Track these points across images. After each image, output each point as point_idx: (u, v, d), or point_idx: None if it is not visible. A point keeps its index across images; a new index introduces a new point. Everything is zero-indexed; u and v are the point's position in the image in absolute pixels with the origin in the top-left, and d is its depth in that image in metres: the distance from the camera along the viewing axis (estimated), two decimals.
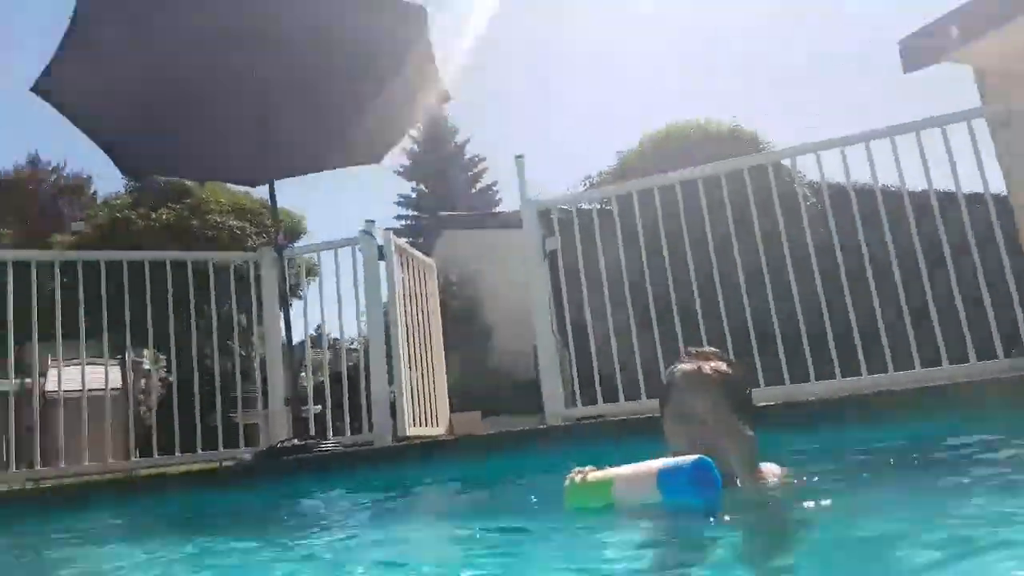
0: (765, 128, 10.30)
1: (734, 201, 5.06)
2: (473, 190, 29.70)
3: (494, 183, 31.32)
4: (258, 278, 5.86)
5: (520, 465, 4.04)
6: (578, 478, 2.02)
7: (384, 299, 5.86)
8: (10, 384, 4.94)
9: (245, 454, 5.08)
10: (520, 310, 12.31)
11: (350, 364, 6.63)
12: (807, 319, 4.72)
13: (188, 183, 14.49)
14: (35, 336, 4.96)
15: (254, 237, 13.91)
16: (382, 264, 5.77)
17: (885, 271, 4.70)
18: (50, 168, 22.79)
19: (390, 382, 5.61)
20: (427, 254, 7.11)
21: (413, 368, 5.99)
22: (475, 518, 2.77)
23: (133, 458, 5.20)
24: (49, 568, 2.60)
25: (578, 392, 5.48)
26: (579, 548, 1.93)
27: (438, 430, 6.34)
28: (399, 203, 30.22)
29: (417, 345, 6.17)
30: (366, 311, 5.73)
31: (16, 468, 4.81)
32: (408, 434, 5.59)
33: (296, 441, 4.83)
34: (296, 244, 11.63)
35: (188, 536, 2.92)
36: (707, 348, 2.21)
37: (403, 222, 29.65)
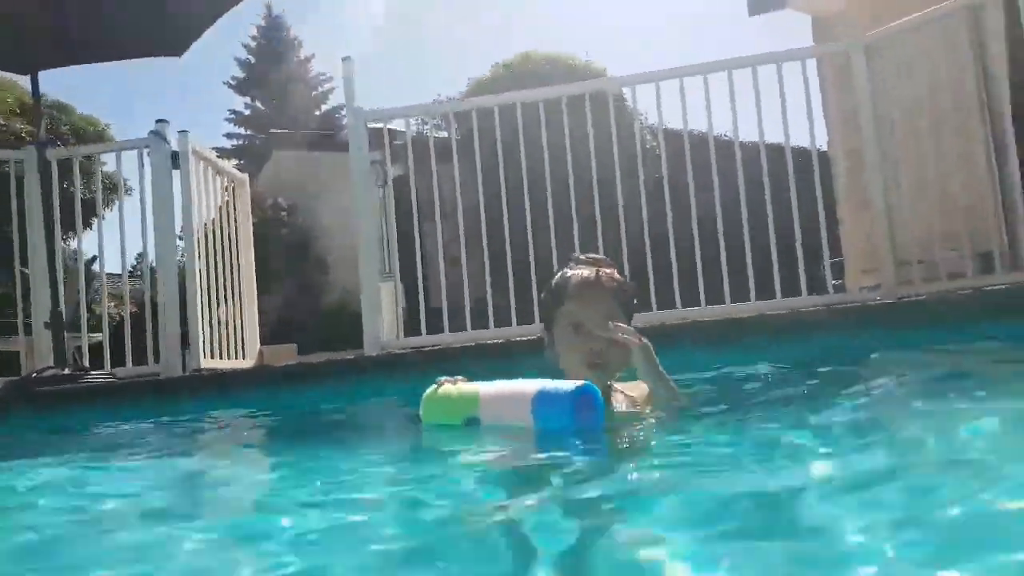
0: (616, 69, 10.17)
1: (574, 132, 4.76)
2: (318, 111, 27.83)
3: (341, 105, 29.30)
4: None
5: (327, 397, 3.64)
6: (441, 389, 1.77)
7: (179, 216, 5.08)
8: None
9: None
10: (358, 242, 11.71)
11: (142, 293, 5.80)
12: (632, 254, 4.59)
13: None
14: None
15: None
16: (176, 174, 5.00)
17: (710, 214, 4.65)
18: None
19: (183, 309, 4.92)
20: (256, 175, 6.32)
21: (214, 295, 5.31)
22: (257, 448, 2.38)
23: None
24: None
25: (403, 326, 5.13)
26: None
27: (244, 363, 5.74)
28: (229, 119, 27.49)
29: (222, 270, 5.48)
30: (154, 228, 4.95)
31: None
32: (202, 366, 4.97)
33: (59, 370, 4.08)
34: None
35: None
36: (597, 255, 2.02)
37: (235, 141, 27.19)
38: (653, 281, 4.50)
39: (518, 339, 4.13)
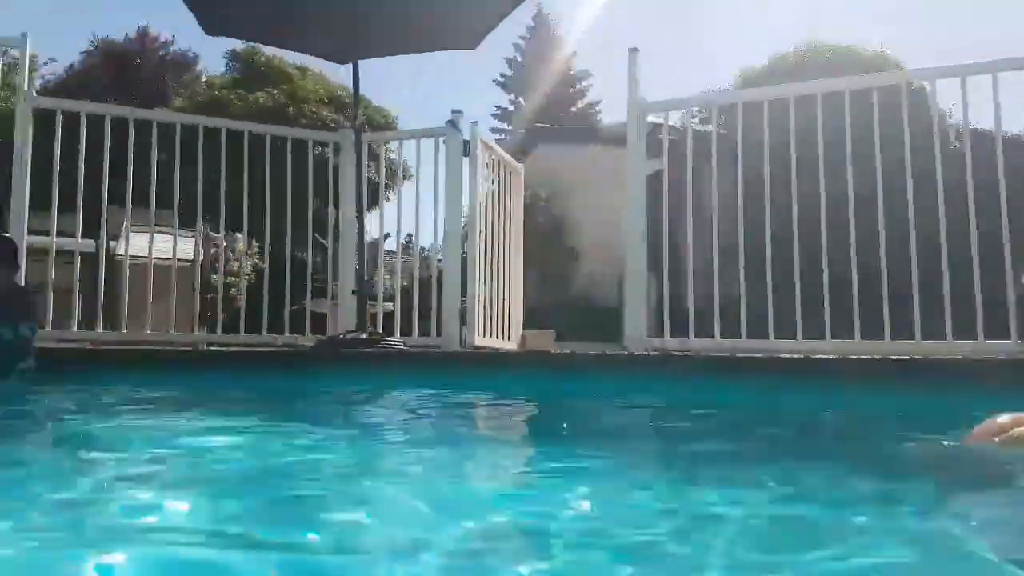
0: (915, 60, 9.09)
1: (856, 128, 4.29)
2: (574, 108, 28.55)
3: (597, 102, 30.00)
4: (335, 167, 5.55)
5: (591, 389, 3.67)
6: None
7: (465, 200, 5.44)
8: (76, 244, 4.79)
9: (309, 342, 4.86)
10: (610, 234, 11.76)
11: (427, 274, 6.32)
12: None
13: (290, 70, 14.33)
14: (107, 197, 4.80)
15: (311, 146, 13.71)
16: (466, 161, 5.34)
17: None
18: (159, 42, 23.03)
19: (463, 289, 5.26)
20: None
21: (489, 277, 5.61)
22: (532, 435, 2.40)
23: (197, 331, 5.07)
24: (88, 432, 2.40)
25: (668, 325, 4.99)
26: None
27: (508, 344, 6.00)
28: (495, 115, 29.42)
29: (495, 253, 5.77)
30: (445, 210, 5.33)
31: (77, 328, 4.72)
32: (476, 343, 5.28)
33: (360, 334, 4.55)
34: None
35: (229, 411, 2.83)
36: None
37: (497, 136, 28.98)
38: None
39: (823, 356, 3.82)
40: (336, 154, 5.58)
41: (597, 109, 29.31)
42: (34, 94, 4.66)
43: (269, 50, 14.58)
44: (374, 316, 5.45)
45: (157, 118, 5.10)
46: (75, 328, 4.74)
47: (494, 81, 29.79)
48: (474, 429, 2.82)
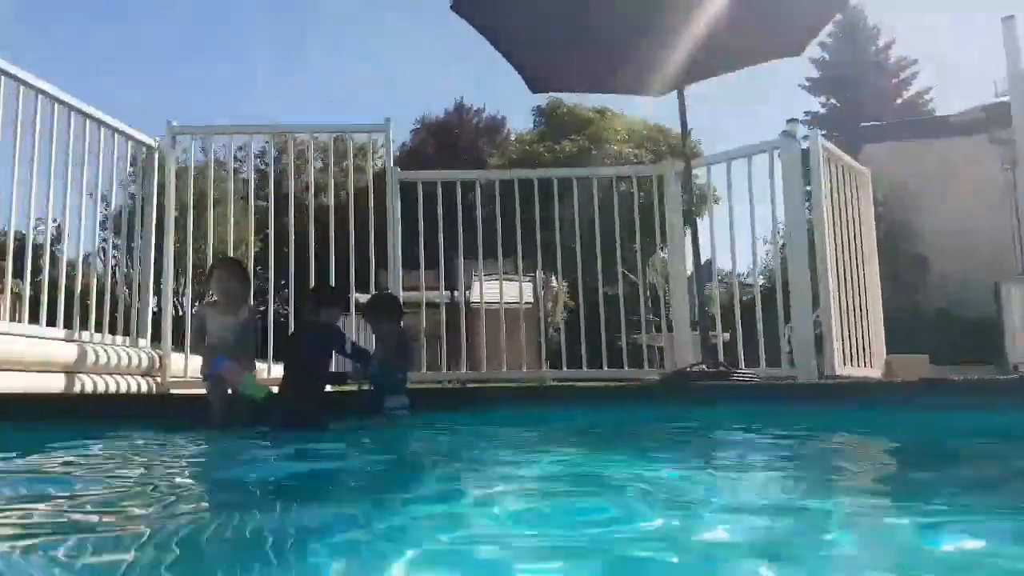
0: None
1: None
2: (899, 100, 25.46)
3: (927, 90, 26.39)
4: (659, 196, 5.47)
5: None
6: None
7: (806, 214, 4.99)
8: (441, 295, 5.30)
9: (652, 375, 4.77)
10: (967, 236, 10.10)
11: (754, 291, 5.90)
12: None
13: (590, 114, 14.89)
14: (460, 251, 5.28)
15: (648, 163, 13.74)
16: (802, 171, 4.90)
17: None
18: (472, 111, 25.82)
19: (814, 310, 4.78)
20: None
21: (842, 295, 5.05)
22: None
23: (544, 368, 5.29)
24: (462, 458, 2.53)
25: None
26: None
27: (872, 372, 5.32)
28: (805, 121, 27.32)
29: (847, 268, 5.18)
30: (785, 226, 4.93)
31: (447, 369, 5.20)
32: (837, 373, 4.74)
33: (706, 367, 4.34)
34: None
35: (590, 445, 2.82)
36: None
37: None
38: None
39: None
40: (640, 187, 5.51)
41: (927, 98, 25.83)
42: (399, 170, 5.31)
43: (570, 100, 15.37)
44: (713, 347, 5.21)
45: (501, 177, 5.50)
46: (444, 369, 5.26)
47: (800, 86, 27.90)
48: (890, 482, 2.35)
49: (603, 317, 5.32)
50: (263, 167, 8.78)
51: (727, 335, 5.58)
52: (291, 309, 4.84)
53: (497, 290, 5.36)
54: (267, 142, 5.94)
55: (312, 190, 6.84)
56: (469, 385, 5.18)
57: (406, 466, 2.57)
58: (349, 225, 4.99)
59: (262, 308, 4.98)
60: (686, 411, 4.00)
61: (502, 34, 5.04)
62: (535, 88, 5.44)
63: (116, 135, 4.78)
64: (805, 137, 5.08)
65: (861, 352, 5.21)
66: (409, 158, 23.56)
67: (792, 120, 4.95)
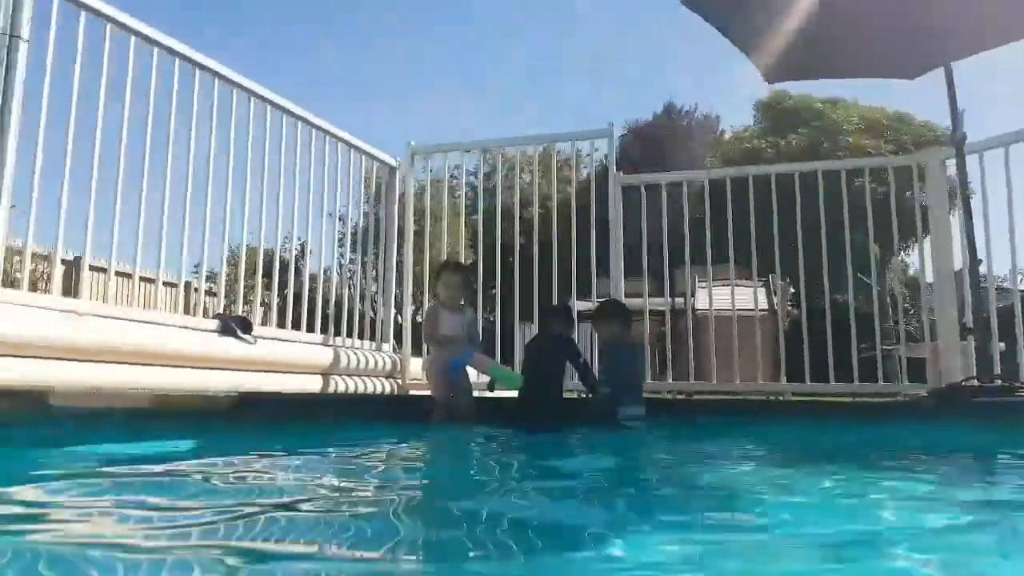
0: None
1: None
2: None
3: None
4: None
5: None
6: None
7: None
8: (666, 302, 5.11)
9: (916, 390, 4.23)
10: None
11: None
12: None
13: (819, 105, 13.83)
14: (687, 258, 5.06)
15: (889, 155, 12.40)
16: None
17: None
18: (683, 112, 24.92)
19: None
20: None
21: None
22: None
23: (783, 381, 4.89)
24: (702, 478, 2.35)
25: None
26: None
27: None
28: None
29: None
30: None
31: (672, 379, 4.99)
32: None
33: (980, 381, 3.75)
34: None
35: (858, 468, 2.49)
36: None
37: None
38: None
39: None
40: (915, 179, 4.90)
41: None
42: (621, 174, 5.21)
43: (797, 91, 14.35)
44: (991, 357, 4.49)
45: (732, 174, 5.19)
46: (670, 379, 5.06)
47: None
48: None
49: (852, 328, 4.82)
50: (490, 185, 9.15)
51: (1002, 344, 4.81)
52: (499, 316, 4.96)
53: (728, 296, 5.06)
54: (493, 157, 6.13)
55: (536, 200, 6.98)
56: (698, 397, 4.94)
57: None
58: (572, 233, 4.98)
59: (491, 318, 5.14)
60: (962, 432, 3.49)
61: (736, 22, 4.76)
62: (772, 78, 5.08)
63: (363, 156, 5.19)
64: None
65: None
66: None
67: None
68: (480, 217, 5.98)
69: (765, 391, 4.88)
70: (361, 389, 4.70)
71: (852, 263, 4.78)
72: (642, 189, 5.18)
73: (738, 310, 4.96)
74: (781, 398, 4.98)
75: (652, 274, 5.23)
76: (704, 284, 5.72)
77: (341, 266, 5.97)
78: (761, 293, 5.77)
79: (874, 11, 4.84)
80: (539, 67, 45.47)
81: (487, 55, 46.97)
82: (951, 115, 4.28)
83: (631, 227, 5.08)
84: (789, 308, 7.00)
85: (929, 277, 4.83)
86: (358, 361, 4.75)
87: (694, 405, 4.63)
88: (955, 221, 4.71)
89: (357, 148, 5.09)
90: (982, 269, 4.37)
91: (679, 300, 5.64)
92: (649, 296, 5.12)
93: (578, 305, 5.46)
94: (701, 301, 5.82)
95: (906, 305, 9.92)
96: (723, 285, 5.19)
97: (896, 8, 4.71)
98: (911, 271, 14.40)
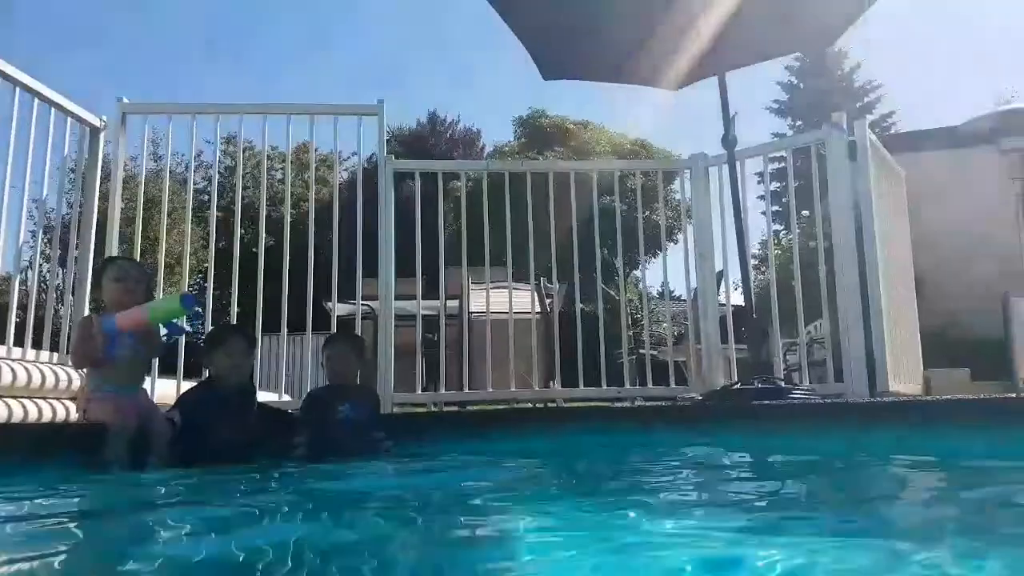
0: None
1: None
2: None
3: (890, 113, 26.73)
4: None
5: None
6: None
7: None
8: (441, 306, 4.64)
9: (687, 393, 4.20)
10: (972, 249, 9.83)
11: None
12: None
13: (572, 126, 14.48)
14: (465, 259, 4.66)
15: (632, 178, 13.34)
16: (851, 167, 4.42)
17: None
18: (446, 124, 25.07)
19: (864, 321, 4.27)
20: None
21: (891, 304, 4.56)
22: None
23: (556, 386, 4.66)
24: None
25: None
26: None
27: (911, 387, 4.83)
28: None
29: (891, 275, 4.71)
30: (833, 225, 4.43)
31: (444, 390, 4.54)
32: (890, 389, 4.23)
33: (758, 383, 3.78)
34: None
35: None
36: None
37: (777, 164, 26.77)
38: None
39: None
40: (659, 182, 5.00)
41: (891, 121, 26.12)
42: (393, 158, 4.68)
43: (553, 110, 14.93)
44: (768, 362, 4.65)
45: (509, 169, 4.88)
46: (443, 390, 4.59)
47: (767, 108, 28.02)
48: None
49: (623, 329, 4.74)
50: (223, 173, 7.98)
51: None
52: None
53: (504, 299, 4.73)
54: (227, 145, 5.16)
55: (289, 192, 6.10)
56: (472, 408, 4.54)
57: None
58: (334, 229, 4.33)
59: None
60: (734, 436, 3.44)
61: (519, 14, 4.49)
62: (547, 74, 4.89)
63: (53, 111, 3.99)
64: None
65: (900, 367, 4.72)
66: (375, 170, 22.77)
67: (838, 112, 4.50)
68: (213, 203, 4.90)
69: (540, 397, 4.61)
70: (34, 414, 3.50)
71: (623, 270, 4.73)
72: (417, 176, 4.68)
73: (515, 313, 4.65)
74: (552, 404, 4.76)
75: (425, 274, 4.76)
76: (480, 286, 5.37)
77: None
78: (527, 295, 5.55)
79: (647, 20, 4.87)
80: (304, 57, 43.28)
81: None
82: (723, 119, 4.36)
83: (404, 225, 4.57)
84: (562, 311, 6.91)
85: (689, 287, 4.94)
86: (30, 378, 3.54)
87: (467, 417, 4.20)
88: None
89: (50, 102, 3.92)
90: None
91: (452, 303, 5.21)
92: (422, 299, 4.64)
93: (339, 309, 4.81)
94: (476, 304, 5.45)
95: (639, 315, 10.72)
96: (500, 288, 4.85)
97: (667, 20, 4.78)
98: (641, 285, 15.61)
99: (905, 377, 4.77)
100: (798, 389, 3.78)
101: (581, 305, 4.86)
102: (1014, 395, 3.86)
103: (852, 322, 4.22)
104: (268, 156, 4.79)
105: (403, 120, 24.41)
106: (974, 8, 37.63)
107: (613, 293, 5.28)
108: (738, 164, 4.65)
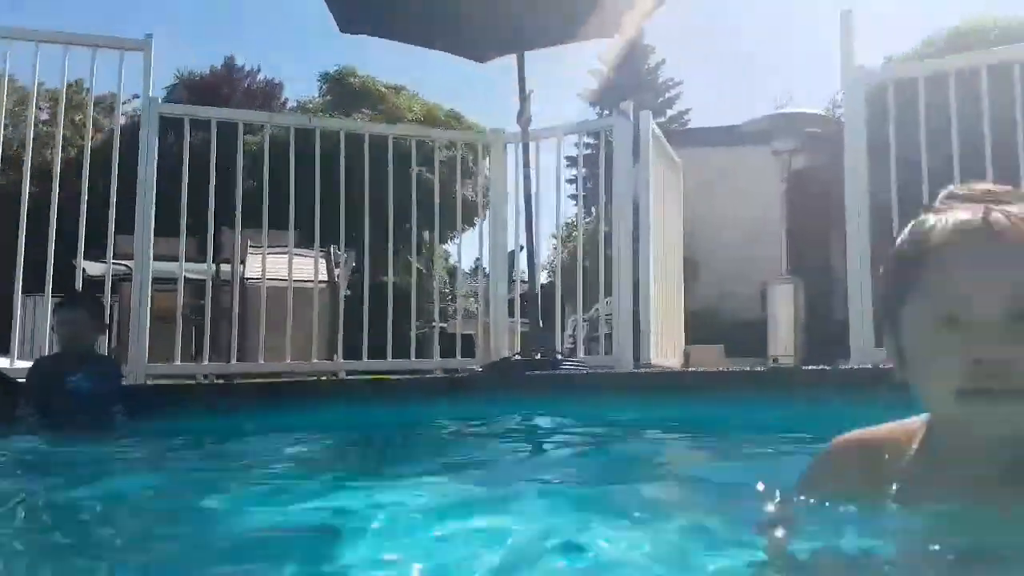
0: None
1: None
2: (663, 118, 27.56)
3: (687, 110, 28.82)
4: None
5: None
6: None
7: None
8: (208, 269, 4.27)
9: (468, 365, 4.20)
10: (745, 240, 10.80)
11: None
12: None
13: (384, 89, 14.05)
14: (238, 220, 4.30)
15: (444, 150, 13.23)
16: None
17: None
18: (244, 72, 23.07)
19: (635, 298, 4.51)
20: None
21: (659, 284, 4.85)
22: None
23: (338, 359, 4.47)
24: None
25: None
26: None
27: (673, 361, 5.20)
28: None
29: (662, 257, 5.01)
30: (615, 209, 4.61)
31: (208, 360, 4.19)
32: (652, 361, 4.51)
33: (535, 355, 3.86)
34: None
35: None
36: (993, 185, 0.98)
37: (587, 150, 27.92)
38: None
39: None
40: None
41: (687, 118, 28.23)
42: (160, 100, 4.20)
43: (364, 70, 14.38)
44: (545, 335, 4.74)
45: (295, 123, 4.53)
46: (207, 361, 4.22)
47: (579, 95, 29.13)
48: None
49: (413, 302, 4.63)
50: None
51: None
52: None
53: (284, 266, 4.44)
54: None
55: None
56: (239, 381, 4.22)
57: None
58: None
59: None
60: (511, 406, 3.48)
61: None
62: (346, 27, 4.61)
63: None
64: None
65: (665, 342, 5.06)
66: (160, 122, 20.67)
67: (626, 101, 4.67)
68: None
69: (319, 370, 4.40)
70: None
71: (415, 241, 4.62)
72: (186, 123, 4.22)
73: (296, 281, 4.38)
74: (336, 376, 4.57)
75: (192, 235, 4.35)
76: (257, 250, 5.00)
77: None
78: (322, 264, 5.28)
79: None
80: None
81: None
82: (520, 96, 4.36)
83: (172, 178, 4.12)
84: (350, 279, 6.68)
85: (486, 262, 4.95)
86: None
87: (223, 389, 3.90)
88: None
89: None
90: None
91: (225, 268, 4.82)
92: (187, 261, 4.23)
93: (89, 268, 4.29)
94: (252, 269, 5.08)
95: (445, 290, 10.72)
96: (279, 253, 4.54)
97: None
98: (452, 259, 15.65)
99: (669, 351, 5.13)
100: (569, 361, 3.90)
101: (377, 277, 4.70)
102: (724, 369, 4.28)
103: (623, 300, 4.43)
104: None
105: (196, 64, 22.17)
106: (757, 14, 41.66)
107: (420, 267, 5.17)
108: (536, 144, 4.70)
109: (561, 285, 4.68)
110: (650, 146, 4.64)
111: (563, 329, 4.93)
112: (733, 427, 2.51)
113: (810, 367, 4.08)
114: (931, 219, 0.95)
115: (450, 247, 14.04)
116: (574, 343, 6.46)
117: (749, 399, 2.87)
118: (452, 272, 12.89)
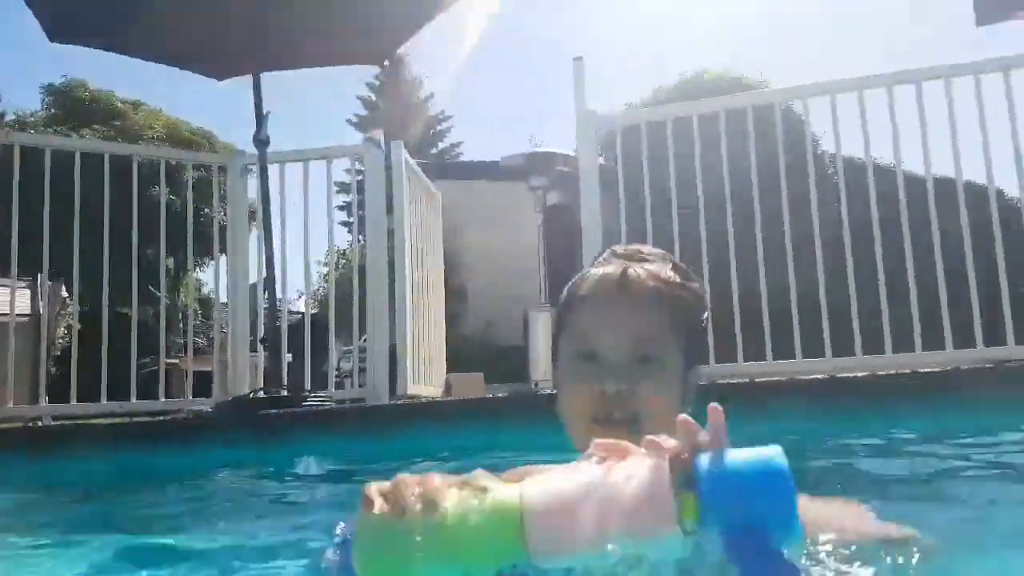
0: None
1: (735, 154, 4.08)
2: (434, 150, 27.94)
3: (458, 143, 29.48)
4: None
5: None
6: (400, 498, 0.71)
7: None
8: None
9: (203, 406, 3.82)
10: (502, 272, 11.21)
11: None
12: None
13: (121, 104, 12.75)
14: None
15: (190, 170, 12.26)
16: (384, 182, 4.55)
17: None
18: None
19: (391, 330, 4.41)
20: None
21: (416, 314, 4.80)
22: None
23: (44, 403, 3.84)
24: None
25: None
26: None
27: (433, 390, 5.18)
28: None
29: (419, 287, 4.98)
30: (367, 238, 4.50)
31: None
32: (409, 392, 4.43)
33: (276, 392, 3.60)
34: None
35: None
36: (646, 247, 1.18)
37: (359, 177, 27.35)
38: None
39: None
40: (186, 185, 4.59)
41: (459, 151, 28.92)
42: None
43: (95, 83, 12.94)
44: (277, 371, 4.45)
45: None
46: None
47: (348, 121, 28.69)
48: None
49: (133, 340, 4.12)
50: None
51: (290, 355, 4.88)
52: None
53: None
54: None
55: None
56: None
57: None
58: None
59: None
60: (251, 448, 3.21)
61: None
62: (55, 34, 4.05)
63: None
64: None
65: (425, 372, 5.03)
66: None
67: (376, 128, 4.61)
68: None
69: (15, 416, 3.75)
70: None
71: (140, 273, 4.12)
72: None
73: None
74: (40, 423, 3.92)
75: None
76: None
77: None
78: (25, 296, 4.56)
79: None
80: None
81: None
82: (256, 117, 4.10)
83: None
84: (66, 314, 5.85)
85: (224, 293, 4.57)
86: None
87: None
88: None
89: None
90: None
91: None
92: None
93: None
94: None
95: (197, 322, 9.86)
96: None
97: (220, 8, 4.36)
98: (206, 289, 14.51)
99: (430, 380, 5.10)
100: (314, 396, 3.70)
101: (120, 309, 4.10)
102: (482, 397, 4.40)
103: (378, 330, 4.32)
104: None
105: None
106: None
107: (158, 294, 4.63)
108: (281, 167, 4.44)
109: (335, 315, 4.45)
110: (403, 176, 4.60)
111: (329, 361, 4.71)
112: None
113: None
114: (589, 271, 1.14)
115: (202, 274, 13.02)
116: (339, 375, 6.21)
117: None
118: (206, 302, 11.92)
